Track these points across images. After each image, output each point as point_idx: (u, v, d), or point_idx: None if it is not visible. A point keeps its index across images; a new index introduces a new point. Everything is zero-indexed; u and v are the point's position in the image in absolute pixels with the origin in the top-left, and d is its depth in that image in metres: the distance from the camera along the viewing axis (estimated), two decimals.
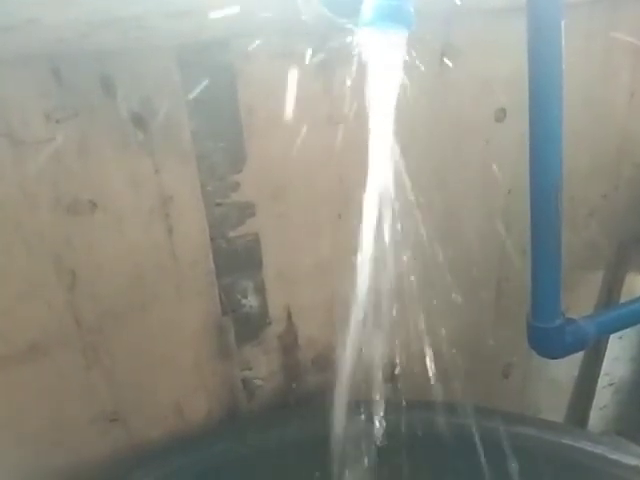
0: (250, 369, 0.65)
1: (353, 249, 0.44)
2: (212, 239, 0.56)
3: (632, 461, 0.54)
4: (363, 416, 0.56)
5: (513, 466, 0.56)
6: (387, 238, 0.44)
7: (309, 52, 0.51)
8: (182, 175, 0.52)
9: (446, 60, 0.59)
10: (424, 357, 0.62)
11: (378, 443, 0.57)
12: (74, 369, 0.54)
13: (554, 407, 0.95)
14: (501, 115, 0.65)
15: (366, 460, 0.56)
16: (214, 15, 0.46)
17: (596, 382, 0.91)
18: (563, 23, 0.49)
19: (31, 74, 0.44)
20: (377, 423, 0.57)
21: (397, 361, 0.71)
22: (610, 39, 0.66)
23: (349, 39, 0.44)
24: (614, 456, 0.55)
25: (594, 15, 0.64)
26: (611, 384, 0.92)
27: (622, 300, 0.84)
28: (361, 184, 0.42)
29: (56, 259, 0.49)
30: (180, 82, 0.49)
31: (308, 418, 0.64)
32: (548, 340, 0.61)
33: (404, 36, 0.32)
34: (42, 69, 0.44)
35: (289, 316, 0.64)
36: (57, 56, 0.44)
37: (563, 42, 0.49)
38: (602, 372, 0.90)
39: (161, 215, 0.52)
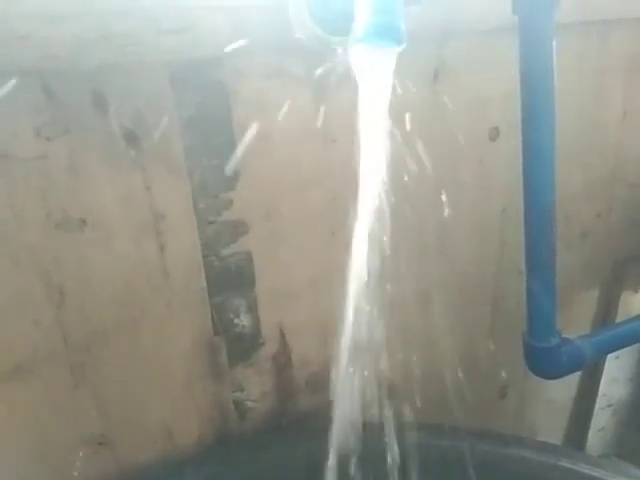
0: (242, 390, 0.63)
1: (346, 267, 0.43)
2: (204, 257, 0.55)
3: None
4: (357, 438, 0.55)
5: None
6: (381, 257, 0.44)
7: (302, 70, 0.51)
8: (174, 192, 0.51)
9: (439, 79, 0.59)
10: (419, 377, 0.61)
11: (372, 465, 0.56)
12: (61, 389, 0.53)
13: (551, 429, 0.94)
14: (495, 134, 0.65)
15: None
16: (207, 33, 0.46)
17: (594, 403, 0.90)
18: (554, 43, 0.49)
19: (22, 90, 0.43)
20: (371, 445, 0.56)
21: (392, 381, 0.70)
22: (602, 59, 0.67)
23: (341, 57, 0.44)
24: (613, 479, 0.54)
25: (587, 35, 0.65)
26: (609, 405, 0.91)
27: (618, 319, 0.83)
28: (354, 202, 0.41)
29: (45, 276, 0.48)
30: (173, 99, 0.48)
31: (301, 441, 0.63)
32: (545, 360, 0.60)
33: (395, 53, 0.32)
34: (33, 85, 0.43)
35: (282, 336, 0.63)
36: (49, 72, 0.43)
37: (555, 62, 0.50)
38: (600, 393, 0.89)
39: (153, 232, 0.52)
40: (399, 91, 0.40)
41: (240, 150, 0.53)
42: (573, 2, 0.59)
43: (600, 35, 0.66)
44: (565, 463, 0.56)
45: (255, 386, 0.64)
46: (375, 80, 0.34)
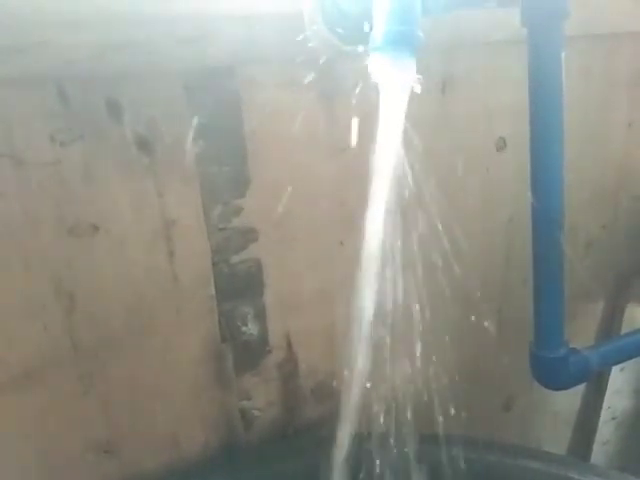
0: (249, 399, 0.63)
1: (354, 276, 0.43)
2: (214, 264, 0.55)
3: None
4: (363, 448, 0.55)
5: None
6: (388, 266, 0.44)
7: (315, 79, 0.52)
8: (185, 199, 0.52)
9: (448, 89, 0.60)
10: (425, 388, 0.61)
11: (377, 476, 0.56)
12: (69, 396, 0.53)
13: (556, 441, 0.93)
14: (501, 144, 0.66)
15: None
16: (222, 42, 0.47)
17: (598, 416, 0.89)
18: (563, 55, 0.50)
19: (37, 95, 0.44)
20: (377, 455, 0.56)
21: (397, 392, 0.70)
22: (608, 71, 0.67)
23: (354, 66, 0.45)
24: None
25: (592, 47, 0.66)
26: (613, 418, 0.91)
27: (622, 331, 0.83)
28: (363, 211, 0.42)
29: (56, 281, 0.48)
30: (186, 107, 0.49)
31: (307, 450, 0.63)
32: (552, 370, 0.60)
33: (413, 61, 0.33)
34: (48, 90, 0.44)
35: (289, 344, 0.63)
36: (64, 78, 0.44)
37: (563, 74, 0.50)
38: (604, 406, 0.88)
39: (163, 239, 0.52)
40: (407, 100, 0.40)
41: (251, 157, 0.53)
42: (580, 15, 0.60)
43: (606, 48, 0.66)
44: (574, 474, 0.55)
45: (261, 395, 0.64)
46: (391, 88, 0.34)
